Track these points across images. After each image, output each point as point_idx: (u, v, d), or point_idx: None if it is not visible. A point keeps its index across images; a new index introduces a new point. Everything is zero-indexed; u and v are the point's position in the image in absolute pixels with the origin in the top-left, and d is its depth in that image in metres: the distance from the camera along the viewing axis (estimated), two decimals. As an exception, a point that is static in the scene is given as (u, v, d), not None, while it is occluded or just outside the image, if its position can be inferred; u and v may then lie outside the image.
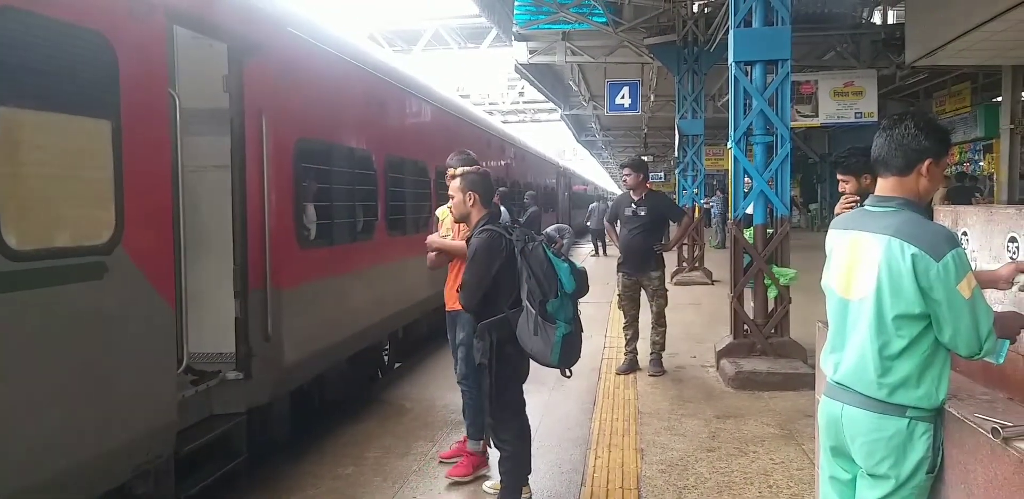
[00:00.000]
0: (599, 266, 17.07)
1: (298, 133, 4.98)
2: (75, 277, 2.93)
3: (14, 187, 2.66)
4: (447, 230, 4.59)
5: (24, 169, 2.73)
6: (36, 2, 2.76)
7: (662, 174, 37.27)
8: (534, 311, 3.40)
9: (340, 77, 5.86)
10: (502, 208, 10.56)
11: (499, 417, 3.65)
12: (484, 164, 4.71)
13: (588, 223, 20.73)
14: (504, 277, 3.49)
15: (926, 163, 2.21)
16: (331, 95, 5.68)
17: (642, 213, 6.65)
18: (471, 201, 3.70)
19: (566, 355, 3.46)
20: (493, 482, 4.10)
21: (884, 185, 2.28)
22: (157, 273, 3.42)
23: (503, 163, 13.63)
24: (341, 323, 5.51)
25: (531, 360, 3.59)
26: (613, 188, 61.18)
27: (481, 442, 4.47)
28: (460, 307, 4.44)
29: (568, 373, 3.61)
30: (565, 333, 3.42)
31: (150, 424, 3.37)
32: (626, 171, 6.78)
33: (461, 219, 3.79)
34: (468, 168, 3.81)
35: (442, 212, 4.72)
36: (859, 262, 2.25)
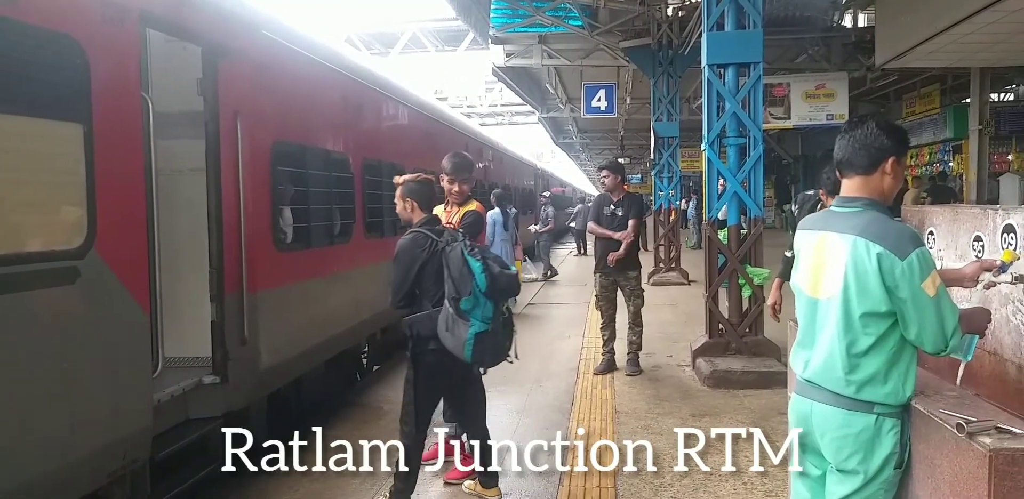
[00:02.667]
0: (579, 267, 17.16)
1: (274, 136, 4.97)
2: (48, 282, 2.91)
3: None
4: None
5: (-5, 173, 2.71)
6: (6, 6, 2.73)
7: (639, 176, 37.49)
8: (450, 308, 3.57)
9: (316, 80, 5.85)
10: (497, 209, 10.71)
11: (404, 406, 3.82)
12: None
13: (572, 224, 20.84)
14: (428, 276, 3.66)
15: (889, 161, 2.27)
16: (307, 98, 5.67)
17: (619, 213, 6.71)
18: (410, 207, 3.89)
19: (479, 353, 3.61)
20: (470, 482, 4.14)
21: (849, 186, 2.34)
22: (131, 277, 3.40)
23: (481, 165, 13.64)
24: (319, 326, 5.49)
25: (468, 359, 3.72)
26: (591, 190, 61.39)
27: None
28: None
29: (482, 371, 3.82)
30: (479, 331, 3.56)
31: (125, 429, 3.35)
32: (604, 173, 6.86)
33: (405, 224, 3.95)
34: (409, 176, 3.97)
35: (437, 210, 4.73)
36: (826, 262, 2.30)
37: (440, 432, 4.66)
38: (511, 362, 3.88)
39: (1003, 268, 2.36)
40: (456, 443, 4.57)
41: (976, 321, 2.25)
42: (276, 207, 5.02)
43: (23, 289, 2.79)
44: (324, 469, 4.49)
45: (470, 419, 4.10)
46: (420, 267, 3.64)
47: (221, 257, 4.31)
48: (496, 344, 3.69)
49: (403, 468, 3.78)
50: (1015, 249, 2.44)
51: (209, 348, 4.32)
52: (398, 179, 3.97)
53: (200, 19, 4.17)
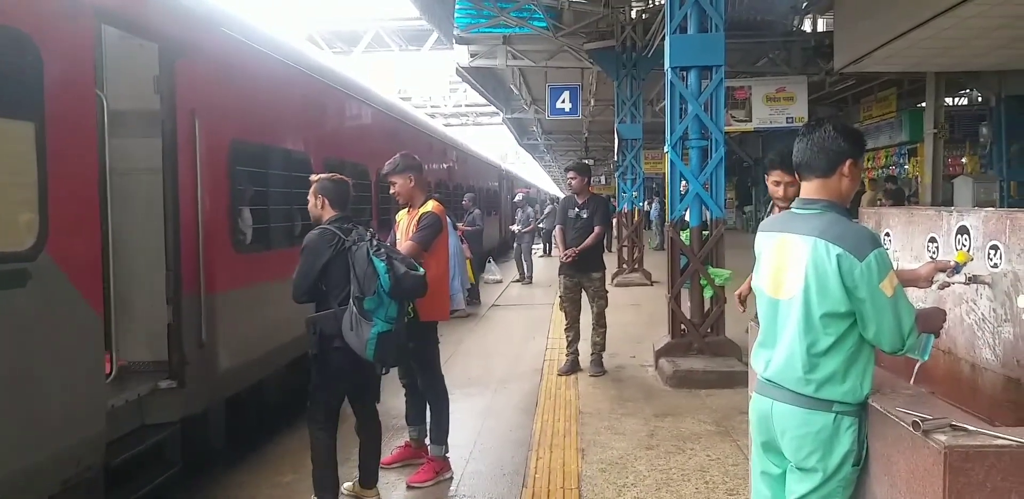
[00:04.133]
0: (546, 268, 17.19)
1: (232, 134, 4.88)
2: (-4, 284, 2.82)
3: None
4: (401, 232, 4.57)
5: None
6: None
7: (603, 177, 37.69)
8: (354, 307, 3.58)
9: (276, 79, 5.76)
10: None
11: (313, 405, 3.82)
12: (426, 167, 4.71)
13: (541, 225, 20.89)
14: (333, 274, 3.66)
15: (847, 164, 2.31)
16: (267, 97, 5.58)
17: (584, 215, 6.73)
18: (321, 204, 3.90)
19: (382, 352, 3.61)
20: (350, 484, 4.12)
21: (808, 188, 2.37)
22: (84, 279, 3.31)
23: (445, 166, 13.59)
24: (279, 328, 5.41)
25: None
26: (556, 191, 61.61)
27: (443, 447, 4.46)
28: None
29: (384, 371, 3.79)
30: (381, 331, 3.58)
31: (78, 435, 3.25)
32: (571, 174, 6.87)
33: (315, 221, 3.94)
34: (324, 175, 3.98)
35: (399, 215, 4.69)
36: (787, 263, 2.33)
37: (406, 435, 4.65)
38: (383, 373, 3.90)
39: (957, 269, 2.42)
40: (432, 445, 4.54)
41: (932, 321, 2.30)
42: (235, 207, 4.93)
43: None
44: (286, 476, 4.45)
45: (364, 417, 4.06)
46: (325, 264, 3.64)
47: (178, 258, 4.22)
48: (400, 345, 3.72)
49: (319, 469, 3.79)
50: (968, 250, 2.50)
51: (166, 352, 4.22)
52: (313, 177, 3.98)
53: (157, 16, 4.08)
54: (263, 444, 5.16)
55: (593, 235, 6.70)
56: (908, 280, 2.44)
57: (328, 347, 3.65)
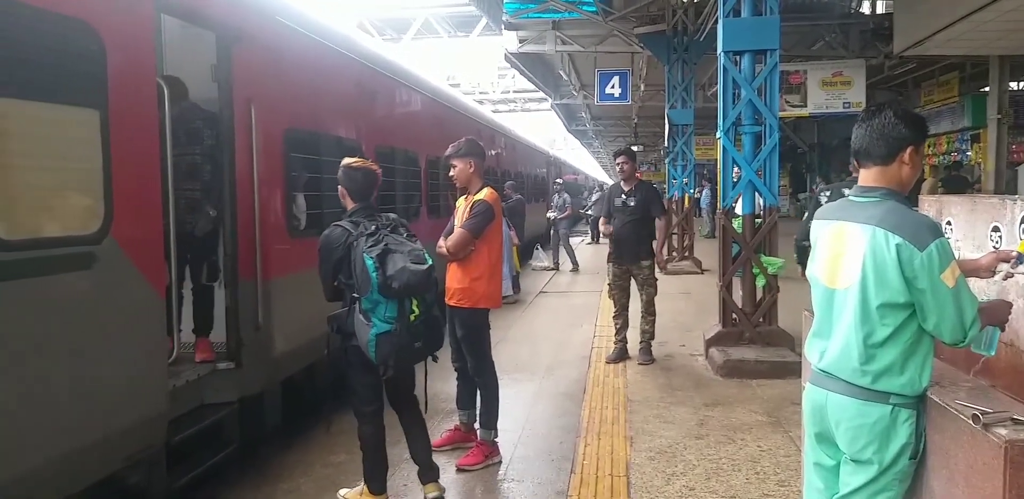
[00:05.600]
0: (594, 255, 17.14)
1: (287, 122, 4.97)
2: (65, 267, 2.93)
3: (3, 178, 2.65)
4: (458, 218, 4.58)
5: (12, 159, 2.72)
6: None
7: (653, 164, 37.30)
8: (356, 307, 3.50)
9: (329, 66, 5.83)
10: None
11: (352, 399, 3.80)
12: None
13: (589, 211, 20.80)
14: (346, 271, 3.54)
15: (908, 151, 2.25)
16: (320, 84, 5.66)
17: (632, 203, 6.68)
18: (342, 195, 3.81)
19: (382, 354, 3.46)
20: (348, 491, 4.02)
21: (867, 175, 2.32)
22: (147, 262, 3.42)
23: (493, 152, 13.61)
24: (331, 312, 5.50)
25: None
26: (604, 177, 61.20)
27: (492, 431, 4.50)
28: (453, 302, 4.48)
29: (386, 372, 3.56)
30: (380, 332, 3.44)
31: (141, 413, 3.38)
32: (623, 159, 6.81)
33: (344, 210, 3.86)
34: (346, 160, 3.82)
35: (459, 201, 4.70)
36: (844, 252, 2.28)
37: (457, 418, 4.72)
38: (435, 360, 3.81)
39: (1020, 259, 2.34)
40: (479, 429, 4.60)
41: (997, 314, 2.24)
42: (290, 194, 5.03)
43: (42, 274, 2.81)
44: (339, 456, 4.56)
45: (403, 415, 3.99)
46: (339, 262, 3.54)
47: (235, 243, 4.33)
48: (402, 346, 3.48)
49: (366, 459, 3.80)
50: None
51: (224, 334, 4.35)
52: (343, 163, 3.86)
53: (214, 5, 4.16)
54: (316, 425, 5.28)
55: (659, 230, 6.80)
56: (969, 270, 2.37)
57: (347, 344, 3.61)
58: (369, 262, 3.37)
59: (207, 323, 4.41)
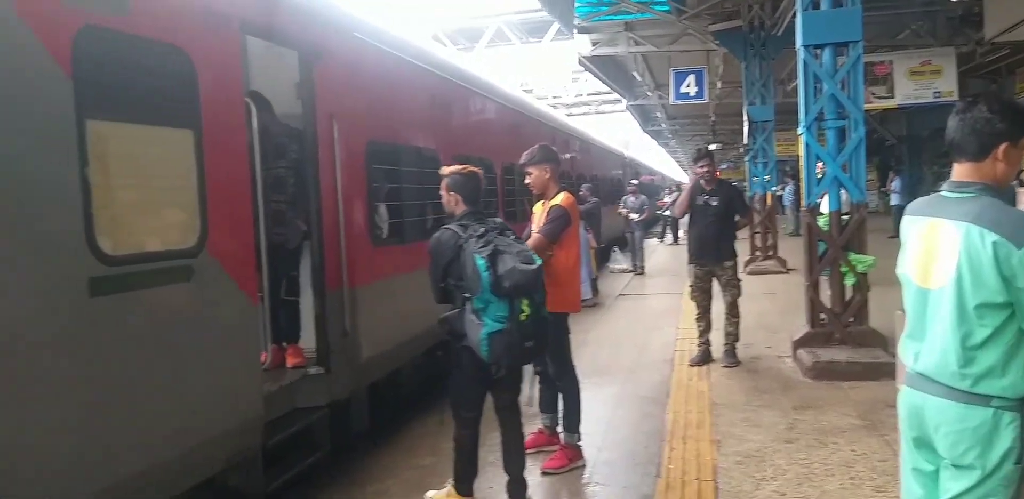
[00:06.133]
0: (671, 256, 16.91)
1: (368, 135, 5.11)
2: (166, 279, 3.10)
3: (106, 196, 2.83)
4: (536, 224, 4.62)
5: (115, 179, 2.90)
6: (117, 20, 2.91)
7: (732, 162, 36.48)
8: (467, 307, 3.53)
9: (406, 78, 5.98)
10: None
11: (452, 401, 3.84)
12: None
13: (666, 212, 20.53)
14: (457, 273, 3.59)
15: (1002, 147, 2.14)
16: (398, 97, 5.80)
17: (714, 203, 6.58)
18: (454, 201, 3.85)
19: (494, 354, 3.49)
20: (436, 493, 4.03)
21: (960, 170, 2.22)
22: (241, 274, 3.59)
23: (568, 156, 13.60)
24: (415, 318, 5.63)
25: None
26: (682, 177, 60.22)
27: (576, 435, 4.51)
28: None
29: (499, 372, 3.64)
30: (492, 331, 3.46)
31: (240, 417, 3.54)
32: (704, 163, 6.69)
33: (450, 216, 3.92)
34: (454, 168, 3.91)
35: (536, 207, 4.75)
36: (937, 250, 2.19)
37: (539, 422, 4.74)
38: (498, 375, 3.77)
39: None
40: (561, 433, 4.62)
41: None
42: (372, 204, 5.17)
43: (144, 287, 2.99)
44: (424, 459, 4.64)
45: (504, 422, 3.98)
46: (449, 264, 3.60)
47: (323, 253, 4.49)
48: (513, 344, 3.51)
49: (458, 460, 3.83)
50: None
51: (313, 340, 4.50)
52: (444, 170, 3.93)
53: (295, 24, 4.33)
54: (402, 428, 5.40)
55: (740, 225, 6.80)
56: None
57: (459, 345, 3.66)
58: (480, 262, 3.44)
59: (295, 330, 4.58)
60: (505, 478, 3.92)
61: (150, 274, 3.02)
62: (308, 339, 4.57)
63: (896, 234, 2.53)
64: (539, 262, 3.58)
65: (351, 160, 4.79)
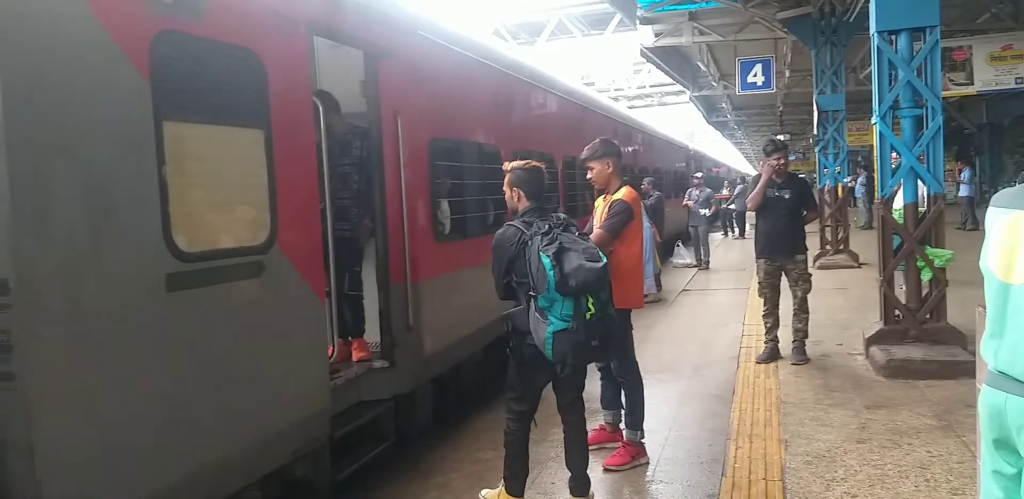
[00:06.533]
0: (737, 250, 16.59)
1: (431, 133, 5.17)
2: (238, 275, 3.20)
3: (183, 194, 2.93)
4: (597, 219, 4.59)
5: (191, 178, 3.01)
6: (191, 24, 3.01)
7: (801, 152, 35.53)
8: (532, 304, 3.47)
9: (468, 75, 6.01)
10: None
11: (509, 397, 3.79)
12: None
13: (732, 206, 20.15)
14: (520, 270, 3.54)
15: None
16: (460, 93, 5.84)
17: (787, 196, 6.42)
18: (516, 196, 3.80)
19: (559, 352, 3.45)
20: (489, 492, 4.01)
21: None
22: (309, 269, 3.68)
23: (629, 149, 13.46)
24: (476, 313, 5.67)
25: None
26: (748, 169, 58.95)
27: (639, 432, 4.49)
28: None
29: (562, 371, 3.57)
30: (557, 329, 3.41)
31: (308, 409, 3.64)
32: (778, 156, 6.50)
33: (513, 212, 3.87)
34: (517, 163, 3.85)
35: (597, 201, 4.72)
36: (1021, 243, 2.09)
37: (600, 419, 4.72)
38: (561, 374, 3.70)
39: None
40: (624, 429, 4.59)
41: None
42: (435, 200, 5.23)
43: (218, 282, 3.09)
44: (486, 453, 4.67)
45: (568, 420, 3.96)
46: (512, 261, 3.56)
47: (387, 248, 4.56)
48: (578, 343, 3.46)
49: (509, 457, 3.80)
50: None
51: (378, 334, 4.59)
52: (507, 166, 3.89)
53: (361, 24, 4.40)
54: (463, 423, 5.45)
55: (807, 221, 6.64)
56: None
57: (521, 342, 3.63)
58: (546, 260, 3.40)
59: (359, 324, 4.67)
60: (567, 474, 3.91)
61: (223, 270, 3.12)
62: (372, 333, 4.65)
63: (963, 226, 2.42)
64: (605, 260, 3.53)
65: (415, 157, 4.85)
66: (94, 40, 2.57)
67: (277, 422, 3.41)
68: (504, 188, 3.88)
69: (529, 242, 3.50)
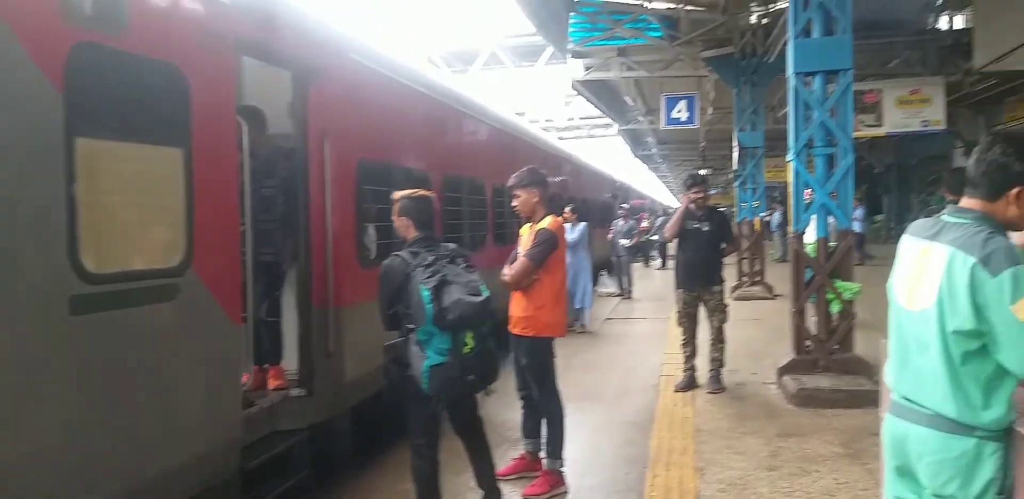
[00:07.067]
0: (659, 281, 16.92)
1: (359, 155, 5.12)
2: (149, 298, 3.08)
3: (92, 214, 2.81)
4: (522, 247, 4.61)
5: (102, 197, 2.89)
6: (111, 37, 2.92)
7: (722, 187, 36.70)
8: (412, 337, 3.48)
9: (399, 100, 6.01)
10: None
11: (409, 432, 3.78)
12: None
13: (655, 237, 20.62)
14: (404, 301, 3.54)
15: (1014, 191, 2.11)
16: (391, 118, 5.83)
17: (705, 228, 6.61)
18: (405, 226, 3.81)
19: (435, 386, 3.46)
20: None
21: (968, 201, 2.21)
22: (226, 294, 3.56)
23: (559, 179, 13.66)
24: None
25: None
26: (672, 202, 60.53)
27: (559, 461, 4.48)
28: (518, 331, 4.50)
29: (439, 406, 3.59)
30: (433, 364, 3.42)
31: (217, 440, 3.49)
32: (697, 190, 6.69)
33: (403, 241, 3.87)
34: (405, 192, 3.87)
35: (523, 229, 4.75)
36: (925, 273, 2.19)
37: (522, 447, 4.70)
38: (487, 394, 3.78)
39: None
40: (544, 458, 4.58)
41: None
42: (361, 224, 5.17)
43: (127, 305, 2.96)
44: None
45: (467, 441, 3.98)
46: (396, 292, 3.54)
47: (309, 273, 4.47)
48: (453, 378, 3.47)
49: (420, 491, 3.77)
50: None
51: (296, 361, 4.46)
52: (395, 195, 3.89)
53: (291, 44, 4.35)
54: (384, 452, 5.33)
55: (725, 253, 6.84)
56: None
57: (404, 374, 3.58)
58: (425, 293, 3.40)
59: (277, 351, 4.54)
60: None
61: (133, 293, 3.00)
62: (292, 361, 4.52)
63: (860, 262, 2.54)
64: (487, 294, 3.53)
65: (342, 180, 4.80)
66: (4, 50, 2.46)
67: (182, 454, 3.26)
68: (392, 217, 3.87)
69: (412, 274, 3.48)
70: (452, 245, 3.82)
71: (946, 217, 2.24)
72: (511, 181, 4.59)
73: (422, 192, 3.92)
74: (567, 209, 10.02)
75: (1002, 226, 2.15)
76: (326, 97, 4.63)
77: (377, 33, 6.22)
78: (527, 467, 4.70)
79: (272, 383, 4.42)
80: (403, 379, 3.60)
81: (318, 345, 4.48)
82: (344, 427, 4.96)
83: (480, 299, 3.47)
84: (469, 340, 3.48)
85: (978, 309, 2.01)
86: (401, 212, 3.84)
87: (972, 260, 2.02)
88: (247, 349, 4.15)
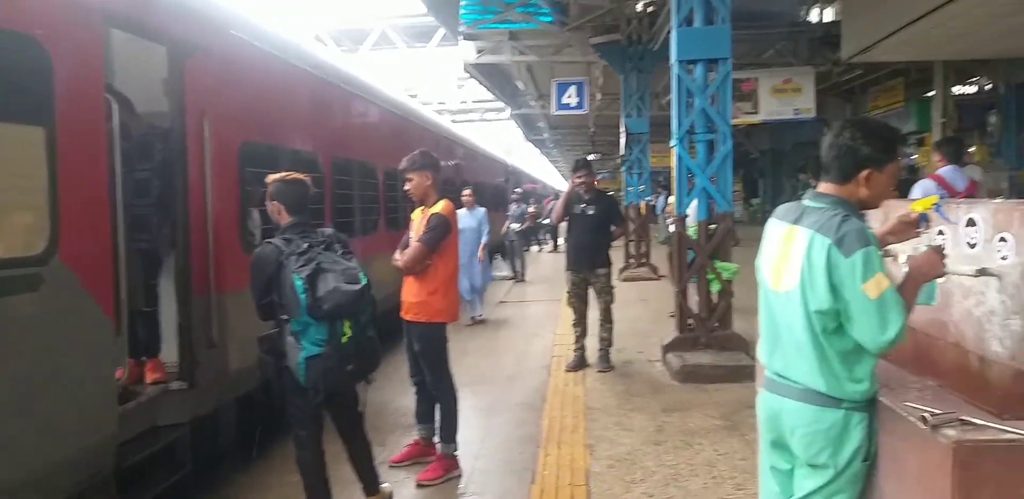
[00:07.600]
0: (551, 264, 17.18)
1: (242, 136, 4.91)
2: (10, 288, 2.85)
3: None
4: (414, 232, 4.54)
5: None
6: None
7: (610, 172, 37.58)
8: (286, 328, 3.40)
9: (285, 79, 5.78)
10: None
11: (291, 425, 3.69)
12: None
13: (546, 221, 20.88)
14: (278, 290, 3.40)
15: (864, 173, 2.23)
16: (276, 97, 5.61)
17: (591, 212, 6.74)
18: (278, 211, 3.64)
19: (312, 378, 3.36)
20: None
21: (824, 186, 2.33)
22: (96, 283, 3.34)
23: (452, 163, 13.60)
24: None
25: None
26: (563, 186, 61.50)
27: (452, 445, 4.48)
28: (410, 317, 4.46)
29: (316, 398, 3.45)
30: (309, 355, 3.34)
31: (89, 437, 3.29)
32: (583, 173, 6.81)
33: (277, 227, 3.71)
34: (277, 176, 3.70)
35: (414, 214, 4.67)
36: (788, 255, 2.31)
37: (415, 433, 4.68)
38: (368, 382, 3.73)
39: (924, 218, 2.43)
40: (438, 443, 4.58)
41: (930, 270, 2.28)
42: (244, 209, 4.96)
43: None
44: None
45: (344, 433, 3.92)
46: (268, 281, 3.38)
47: (188, 259, 4.25)
48: (331, 369, 3.37)
49: (307, 484, 3.70)
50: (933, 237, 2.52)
51: (176, 353, 4.26)
52: (268, 178, 3.71)
53: (165, 18, 4.10)
54: (272, 444, 5.19)
55: (615, 235, 6.96)
56: (888, 239, 2.49)
57: (280, 366, 3.46)
58: (298, 283, 3.25)
59: (154, 343, 4.31)
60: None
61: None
62: (172, 352, 4.30)
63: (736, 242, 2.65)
64: (365, 281, 3.41)
65: (223, 161, 4.58)
66: None
67: (49, 455, 3.05)
68: (266, 202, 3.69)
69: (285, 262, 3.33)
70: (329, 230, 3.67)
71: (807, 202, 2.36)
72: (403, 164, 4.52)
73: (295, 175, 3.71)
74: (466, 192, 9.97)
75: (856, 208, 2.28)
76: (204, 75, 4.40)
77: (261, 8, 5.94)
78: (421, 453, 4.69)
79: (150, 376, 4.19)
80: (279, 371, 3.47)
81: (200, 335, 4.28)
82: (229, 420, 4.78)
83: (357, 287, 3.34)
84: (347, 329, 3.37)
85: (834, 288, 2.14)
86: (273, 196, 3.63)
87: (828, 242, 2.14)
88: (122, 342, 3.91)
